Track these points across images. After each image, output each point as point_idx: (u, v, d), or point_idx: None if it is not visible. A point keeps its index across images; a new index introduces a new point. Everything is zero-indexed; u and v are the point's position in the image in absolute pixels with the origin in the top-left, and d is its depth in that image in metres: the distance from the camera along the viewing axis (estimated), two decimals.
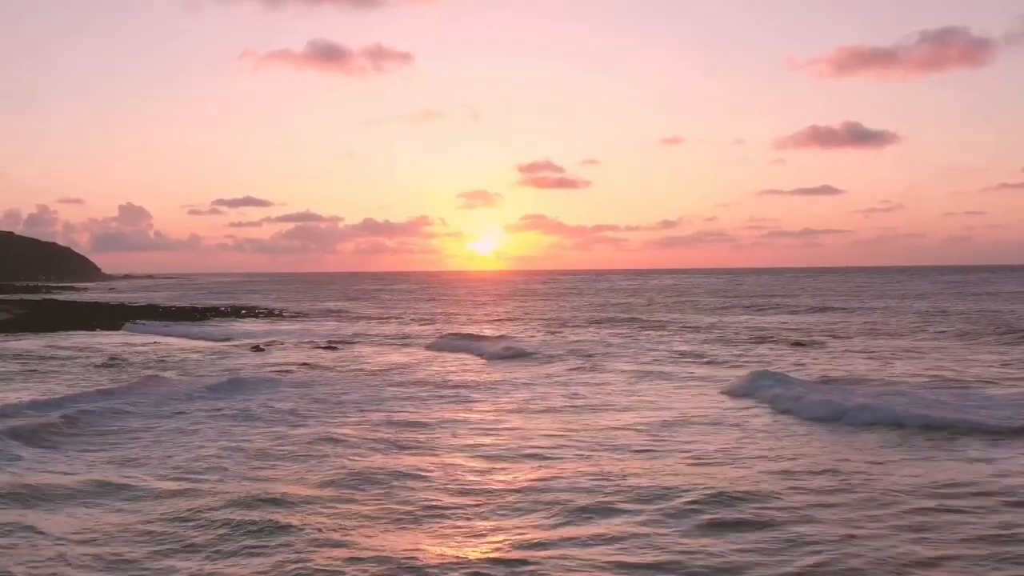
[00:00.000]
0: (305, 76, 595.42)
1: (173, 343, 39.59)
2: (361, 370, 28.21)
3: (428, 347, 36.92)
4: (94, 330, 47.38)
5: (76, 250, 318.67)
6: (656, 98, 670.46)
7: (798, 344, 35.55)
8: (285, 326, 52.14)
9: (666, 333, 42.94)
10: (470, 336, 39.99)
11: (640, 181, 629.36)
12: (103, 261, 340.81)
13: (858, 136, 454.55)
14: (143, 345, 37.85)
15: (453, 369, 28.42)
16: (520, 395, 21.93)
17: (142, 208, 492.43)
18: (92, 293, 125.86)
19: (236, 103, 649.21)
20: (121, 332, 46.32)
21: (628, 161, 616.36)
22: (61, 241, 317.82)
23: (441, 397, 21.89)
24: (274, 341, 40.15)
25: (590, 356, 31.60)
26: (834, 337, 38.47)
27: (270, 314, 65.77)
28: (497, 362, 30.51)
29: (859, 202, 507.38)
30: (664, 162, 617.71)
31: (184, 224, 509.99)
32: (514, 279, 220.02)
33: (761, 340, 37.82)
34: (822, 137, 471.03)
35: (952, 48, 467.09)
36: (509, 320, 56.10)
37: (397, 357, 32.70)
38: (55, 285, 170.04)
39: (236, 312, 67.63)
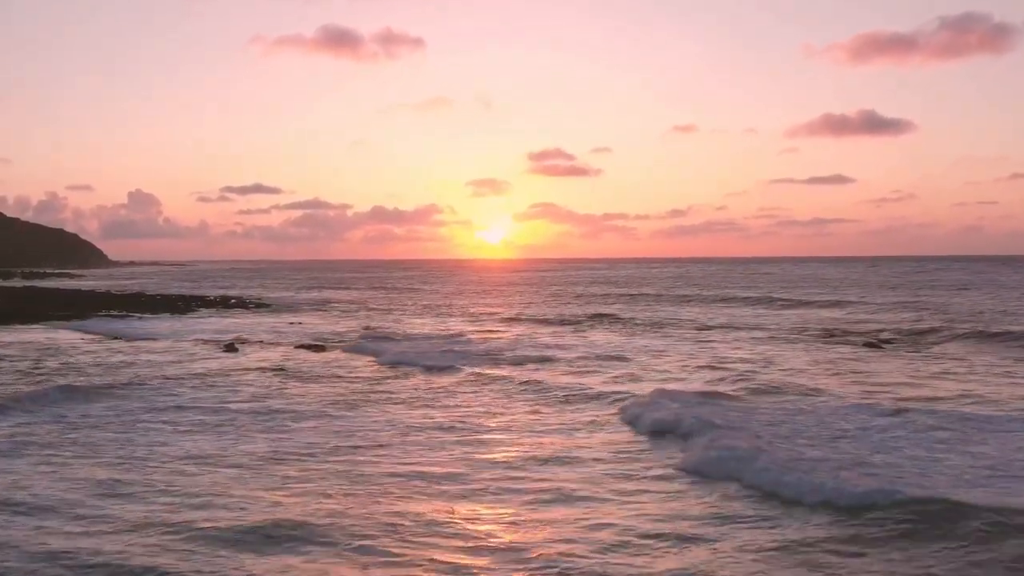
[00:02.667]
0: (315, 62, 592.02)
1: (130, 341, 33.88)
2: (339, 377, 22.59)
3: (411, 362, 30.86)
4: (50, 321, 41.90)
5: (84, 237, 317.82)
6: (670, 86, 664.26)
7: (872, 345, 29.68)
8: (275, 319, 46.67)
9: (700, 331, 37.12)
10: (482, 344, 34.38)
11: (651, 170, 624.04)
12: (113, 248, 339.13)
13: (873, 125, 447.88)
14: (91, 343, 32.29)
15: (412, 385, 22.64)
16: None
17: (151, 195, 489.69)
18: (86, 280, 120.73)
19: (245, 89, 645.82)
20: (69, 328, 40.25)
21: (640, 149, 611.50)
22: (71, 228, 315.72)
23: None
24: (251, 338, 34.77)
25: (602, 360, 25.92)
26: (915, 334, 32.42)
27: (262, 305, 60.28)
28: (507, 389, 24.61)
29: (871, 191, 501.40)
30: (676, 150, 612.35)
31: (193, 211, 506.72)
32: (524, 268, 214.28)
33: (814, 338, 32.00)
34: (836, 125, 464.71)
35: (973, 34, 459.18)
36: (517, 316, 50.31)
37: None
38: (54, 272, 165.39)
39: (225, 302, 62.09)
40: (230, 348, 30.89)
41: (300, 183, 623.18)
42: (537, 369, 24.14)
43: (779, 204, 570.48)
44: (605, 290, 79.34)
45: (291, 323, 43.90)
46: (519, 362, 25.81)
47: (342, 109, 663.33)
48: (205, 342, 33.07)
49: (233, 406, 18.05)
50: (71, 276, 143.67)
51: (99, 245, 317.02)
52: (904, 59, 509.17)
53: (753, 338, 33.14)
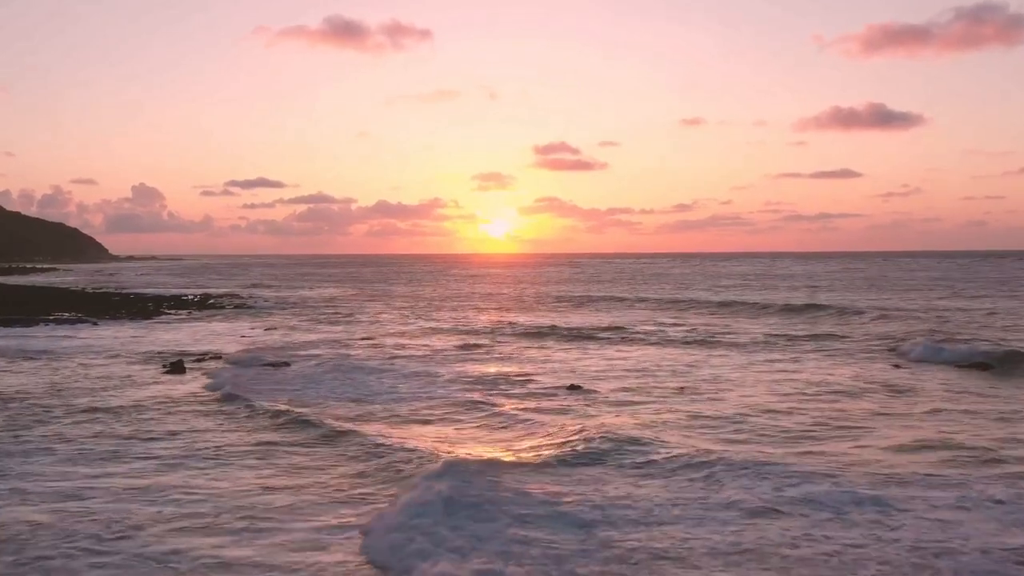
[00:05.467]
0: (320, 53, 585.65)
1: (57, 358, 27.58)
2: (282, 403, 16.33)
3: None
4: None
5: (87, 231, 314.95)
6: (678, 78, 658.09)
7: (983, 366, 23.35)
8: (251, 324, 40.51)
9: (762, 346, 30.79)
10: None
11: (657, 163, 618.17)
12: (117, 242, 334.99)
13: (882, 118, 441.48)
14: (5, 359, 26.03)
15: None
16: None
17: (155, 189, 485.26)
18: (69, 276, 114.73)
19: (248, 82, 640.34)
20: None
21: (647, 143, 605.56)
22: (75, 222, 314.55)
23: None
24: (211, 350, 28.62)
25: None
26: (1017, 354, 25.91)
27: (243, 306, 54.06)
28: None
29: (878, 186, 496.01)
30: (683, 144, 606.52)
31: (197, 205, 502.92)
32: (530, 264, 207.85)
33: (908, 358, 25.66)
34: (845, 119, 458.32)
35: (988, 25, 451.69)
36: (526, 324, 44.06)
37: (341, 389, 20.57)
38: (43, 267, 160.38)
39: (203, 303, 55.89)
40: (176, 368, 24.71)
41: (304, 177, 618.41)
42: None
43: (785, 198, 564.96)
44: (621, 291, 73.03)
45: (267, 329, 37.80)
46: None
47: (347, 102, 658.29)
48: (151, 358, 26.94)
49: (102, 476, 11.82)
50: (57, 271, 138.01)
51: (104, 239, 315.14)
52: (916, 51, 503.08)
53: (833, 354, 26.82)
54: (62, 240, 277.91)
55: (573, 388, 20.38)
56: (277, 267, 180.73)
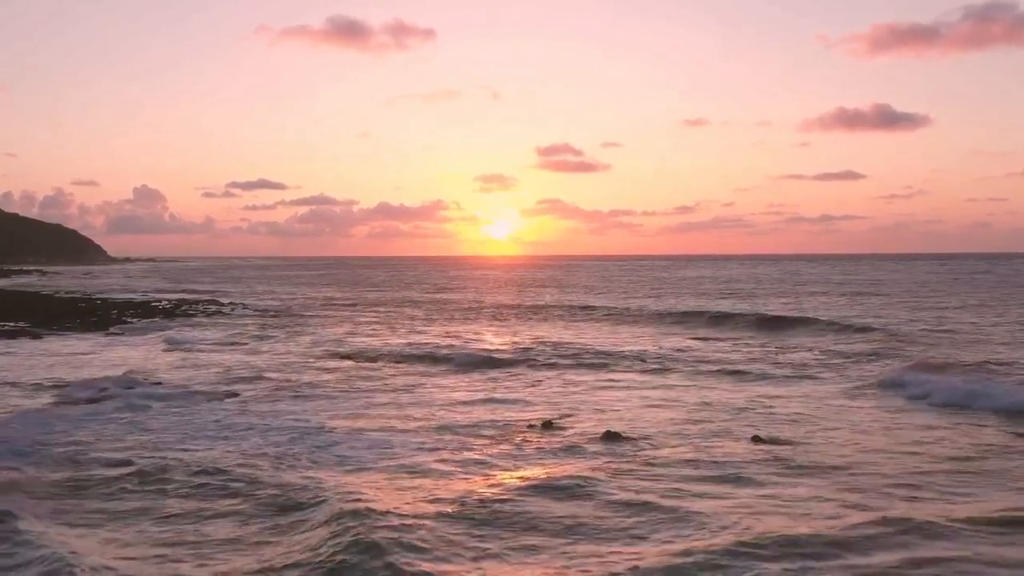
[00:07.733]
0: (322, 53, 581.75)
1: None
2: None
3: None
4: None
5: (87, 233, 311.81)
6: (680, 78, 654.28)
7: None
8: (221, 335, 35.38)
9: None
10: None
11: (660, 165, 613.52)
12: (119, 244, 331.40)
13: (887, 119, 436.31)
14: None
15: None
16: None
17: (156, 190, 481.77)
18: (52, 278, 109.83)
19: (250, 82, 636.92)
20: None
21: (650, 144, 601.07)
22: (76, 224, 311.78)
23: None
24: (157, 369, 23.33)
25: None
26: None
27: (218, 313, 48.85)
28: None
29: (881, 187, 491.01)
30: (685, 145, 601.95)
31: (198, 207, 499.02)
32: (533, 265, 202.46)
33: None
34: (849, 119, 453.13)
35: (997, 24, 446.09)
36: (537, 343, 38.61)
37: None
38: (31, 268, 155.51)
39: (174, 310, 50.61)
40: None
41: (305, 178, 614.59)
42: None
43: (788, 200, 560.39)
44: (637, 300, 67.67)
45: (235, 343, 32.53)
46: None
47: (348, 102, 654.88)
48: (74, 386, 21.65)
49: None
50: (45, 273, 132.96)
51: (105, 241, 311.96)
52: (924, 51, 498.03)
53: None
54: (60, 241, 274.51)
55: (609, 437, 15.14)
56: (273, 269, 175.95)
